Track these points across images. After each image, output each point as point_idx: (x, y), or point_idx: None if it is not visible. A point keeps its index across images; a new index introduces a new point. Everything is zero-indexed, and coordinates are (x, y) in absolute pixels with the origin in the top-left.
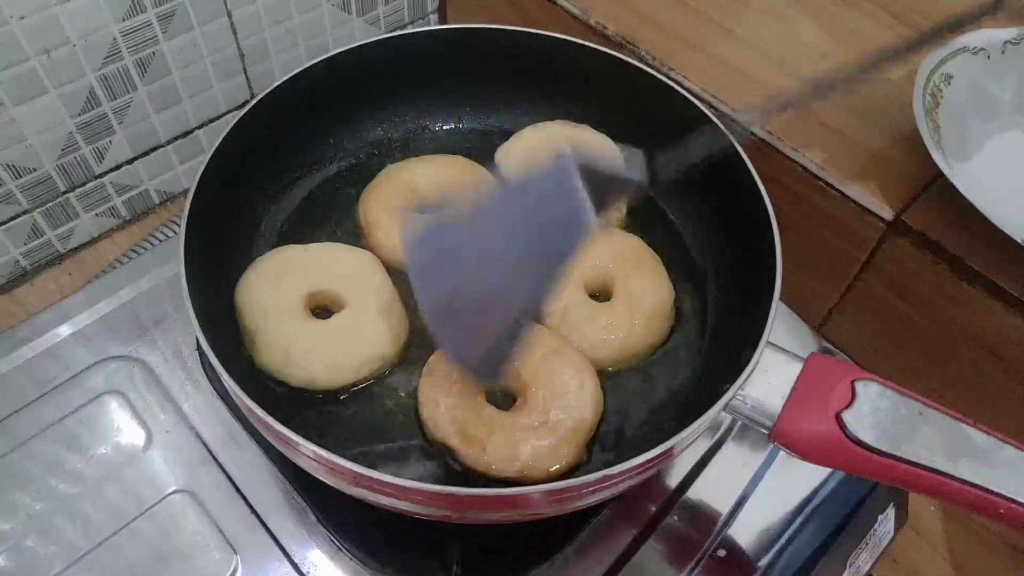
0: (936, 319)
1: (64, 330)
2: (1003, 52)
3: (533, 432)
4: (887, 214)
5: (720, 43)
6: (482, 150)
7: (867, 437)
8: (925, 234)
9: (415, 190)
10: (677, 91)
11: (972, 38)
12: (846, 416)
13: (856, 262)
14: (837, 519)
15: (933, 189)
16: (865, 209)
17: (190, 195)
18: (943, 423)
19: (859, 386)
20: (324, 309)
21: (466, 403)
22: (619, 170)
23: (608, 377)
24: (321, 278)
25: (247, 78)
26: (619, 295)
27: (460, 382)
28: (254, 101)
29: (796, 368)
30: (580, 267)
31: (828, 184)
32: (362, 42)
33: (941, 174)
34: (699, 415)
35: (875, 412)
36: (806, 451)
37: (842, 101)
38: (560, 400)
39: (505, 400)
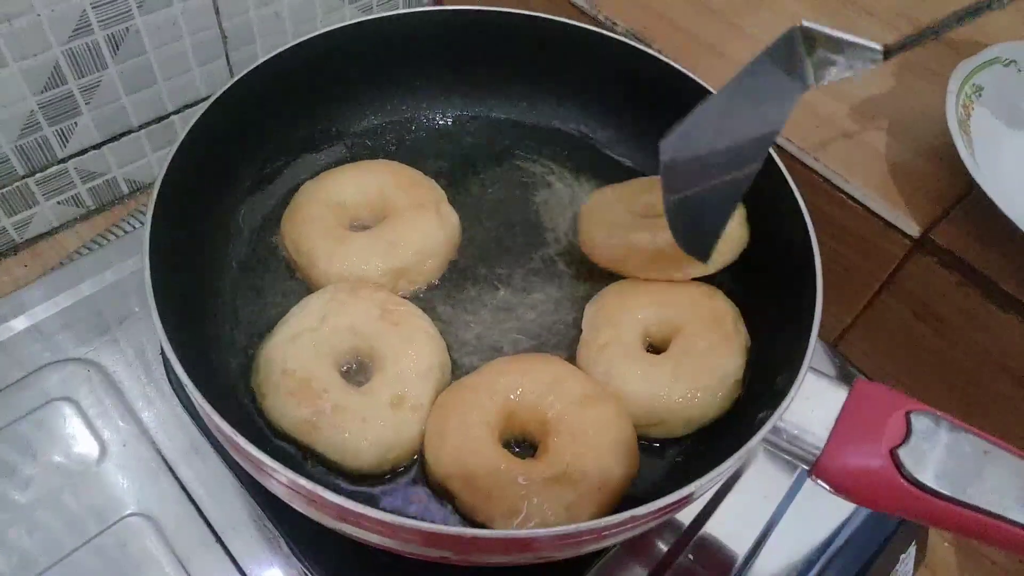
0: (962, 345)
1: (18, 324)
2: None
3: (548, 483)
4: (913, 230)
5: (734, 43)
6: (483, 142)
7: (926, 478)
8: (954, 253)
9: (343, 204)
10: (693, 81)
11: (1004, 49)
12: (902, 453)
13: (876, 280)
14: (861, 561)
15: (963, 205)
16: (889, 224)
17: (158, 181)
18: (1012, 465)
19: (915, 419)
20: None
21: (476, 444)
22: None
23: None
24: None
25: (229, 62)
26: (675, 351)
27: (472, 423)
28: (233, 80)
29: (841, 396)
30: (645, 313)
31: (850, 197)
32: (352, 21)
33: (971, 190)
34: (733, 445)
35: (935, 449)
36: (853, 490)
37: (866, 110)
38: (585, 450)
39: (522, 449)
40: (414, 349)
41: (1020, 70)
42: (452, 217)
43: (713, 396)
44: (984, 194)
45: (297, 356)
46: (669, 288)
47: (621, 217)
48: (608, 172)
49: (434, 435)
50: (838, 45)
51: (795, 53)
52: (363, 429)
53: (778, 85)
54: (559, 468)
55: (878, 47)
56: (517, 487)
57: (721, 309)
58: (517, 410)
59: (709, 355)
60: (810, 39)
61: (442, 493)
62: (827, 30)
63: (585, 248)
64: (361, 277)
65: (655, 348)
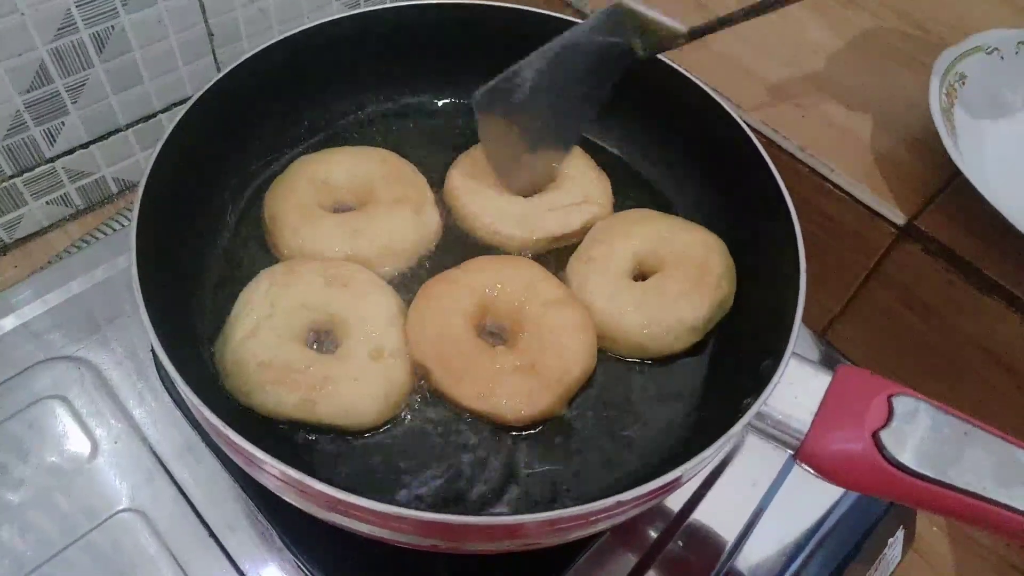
0: (947, 331)
1: (8, 323)
2: (1017, 52)
3: (514, 372)
4: (899, 219)
5: (723, 38)
6: (470, 134)
7: (908, 459)
8: (939, 240)
9: (328, 184)
10: (680, 73)
11: (986, 37)
12: (883, 435)
13: (863, 269)
14: (850, 545)
15: (947, 193)
16: (875, 213)
17: (144, 178)
18: (992, 445)
19: (896, 402)
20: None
21: (453, 330)
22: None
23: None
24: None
25: (216, 60)
26: (649, 285)
27: (451, 311)
28: (218, 77)
29: (824, 381)
30: (641, 242)
31: (836, 186)
32: (337, 16)
33: (954, 178)
34: (719, 430)
35: (916, 432)
36: (837, 473)
37: (850, 100)
38: (550, 347)
39: (494, 339)
40: (371, 301)
41: (1003, 58)
42: (432, 219)
43: (666, 334)
44: (968, 182)
45: (265, 347)
46: (675, 227)
47: (497, 198)
48: (594, 159)
49: (416, 320)
50: (645, 22)
51: (618, 27)
52: (359, 388)
53: (602, 55)
54: (525, 360)
55: (682, 29)
56: (487, 371)
57: (713, 262)
58: (492, 304)
59: (677, 298)
60: (628, 14)
61: (420, 371)
62: (638, 7)
63: (466, 226)
64: (322, 256)
65: (642, 276)
